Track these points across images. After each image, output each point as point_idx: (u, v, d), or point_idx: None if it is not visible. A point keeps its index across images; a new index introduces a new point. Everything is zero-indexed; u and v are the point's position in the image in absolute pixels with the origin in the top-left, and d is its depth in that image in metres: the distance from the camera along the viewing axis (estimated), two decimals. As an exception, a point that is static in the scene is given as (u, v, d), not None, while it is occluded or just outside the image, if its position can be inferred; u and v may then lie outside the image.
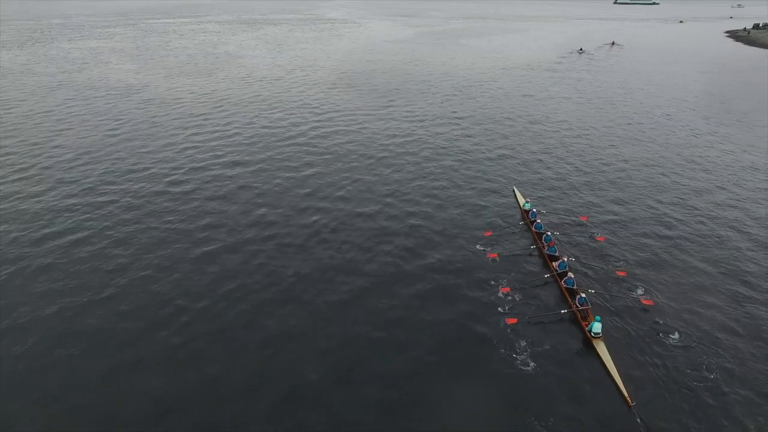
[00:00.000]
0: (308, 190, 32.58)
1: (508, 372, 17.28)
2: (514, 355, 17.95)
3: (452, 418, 15.65)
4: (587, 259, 24.16)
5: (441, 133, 45.29)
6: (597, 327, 18.26)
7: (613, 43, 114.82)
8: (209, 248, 25.29)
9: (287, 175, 35.02)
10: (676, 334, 18.94)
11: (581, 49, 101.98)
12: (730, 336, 19.12)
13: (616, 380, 16.50)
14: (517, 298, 21.07)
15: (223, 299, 21.29)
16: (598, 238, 26.09)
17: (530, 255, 24.69)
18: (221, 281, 22.52)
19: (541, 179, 34.77)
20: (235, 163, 37.21)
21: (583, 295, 19.97)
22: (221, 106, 54.92)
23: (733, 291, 21.99)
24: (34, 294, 21.59)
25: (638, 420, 15.27)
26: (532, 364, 17.54)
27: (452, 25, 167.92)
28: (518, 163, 37.79)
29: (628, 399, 15.81)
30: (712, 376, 17.01)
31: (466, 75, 74.82)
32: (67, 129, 45.84)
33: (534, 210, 27.52)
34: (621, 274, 22.61)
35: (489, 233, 26.45)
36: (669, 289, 21.92)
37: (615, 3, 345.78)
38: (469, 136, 44.53)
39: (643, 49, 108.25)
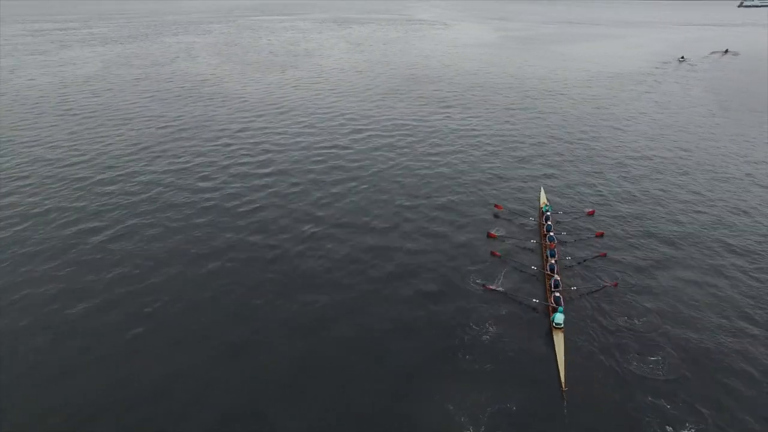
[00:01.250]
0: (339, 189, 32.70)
1: (468, 355, 18.59)
2: (479, 340, 19.33)
3: (411, 393, 17.21)
4: (584, 262, 25.03)
5: (480, 144, 42.71)
6: (558, 318, 19.57)
7: (726, 51, 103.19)
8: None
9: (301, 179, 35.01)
10: (644, 337, 19.60)
11: (682, 58, 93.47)
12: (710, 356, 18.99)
13: (560, 366, 17.86)
14: (502, 286, 22.52)
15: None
16: (597, 234, 27.64)
17: (532, 250, 26.25)
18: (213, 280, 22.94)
19: (574, 199, 33.10)
20: (265, 165, 37.81)
21: (558, 295, 21.10)
22: (281, 104, 56.39)
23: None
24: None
25: (564, 402, 16.62)
26: (493, 349, 18.90)
27: (545, 30, 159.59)
28: (560, 184, 34.52)
29: (563, 383, 17.16)
30: (659, 373, 17.89)
31: (539, 83, 70.30)
32: (125, 122, 49.60)
33: (549, 213, 28.74)
34: (613, 284, 23.18)
35: (500, 208, 30.34)
36: (655, 294, 22.45)
37: (740, 6, 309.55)
38: (511, 149, 41.51)
39: (763, 58, 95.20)
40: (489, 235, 27.32)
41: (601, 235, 27.46)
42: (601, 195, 33.18)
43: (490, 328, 19.90)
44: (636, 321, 20.53)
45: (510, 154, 40.88)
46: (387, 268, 24.26)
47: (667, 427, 15.78)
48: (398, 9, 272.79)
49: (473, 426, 15.65)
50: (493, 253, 25.42)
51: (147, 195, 31.65)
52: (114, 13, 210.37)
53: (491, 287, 22.33)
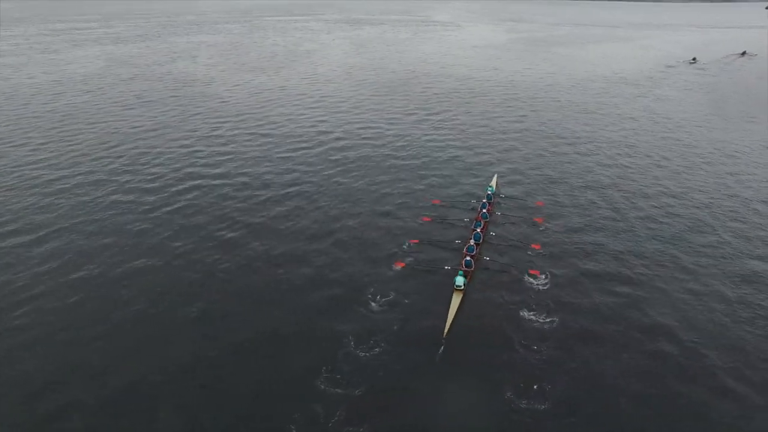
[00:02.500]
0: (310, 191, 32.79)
1: (375, 310, 21.03)
2: (389, 301, 21.56)
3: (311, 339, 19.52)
4: (508, 237, 27.18)
5: (445, 145, 42.21)
6: (458, 280, 21.83)
7: (743, 53, 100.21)
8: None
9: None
10: (539, 304, 21.50)
11: (694, 59, 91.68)
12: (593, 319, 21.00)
13: (448, 320, 20.03)
14: (422, 253, 25.27)
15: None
16: (536, 219, 29.36)
17: (462, 223, 28.66)
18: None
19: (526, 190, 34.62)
20: (216, 166, 38.12)
21: (468, 259, 23.45)
22: (259, 107, 56.84)
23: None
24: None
25: (442, 346, 19.00)
26: (396, 304, 21.41)
27: (556, 32, 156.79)
28: (517, 176, 33.95)
29: (445, 332, 19.50)
30: (542, 330, 20.05)
31: (533, 85, 69.23)
32: (100, 122, 50.68)
33: (489, 193, 31.11)
34: (535, 246, 25.83)
35: (437, 201, 31.74)
36: (563, 272, 24.07)
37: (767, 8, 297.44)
38: (475, 147, 40.90)
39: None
40: (423, 220, 29.25)
41: (540, 222, 28.95)
42: (553, 186, 34.73)
43: (402, 291, 22.23)
44: (535, 291, 22.55)
45: (473, 151, 41.83)
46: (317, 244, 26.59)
47: (534, 383, 17.36)
48: (418, 10, 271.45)
49: (355, 364, 18.06)
50: (423, 219, 28.80)
51: (95, 195, 32.24)
52: (135, 13, 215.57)
53: (405, 262, 24.49)
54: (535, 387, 17.14)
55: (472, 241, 25.08)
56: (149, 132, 45.32)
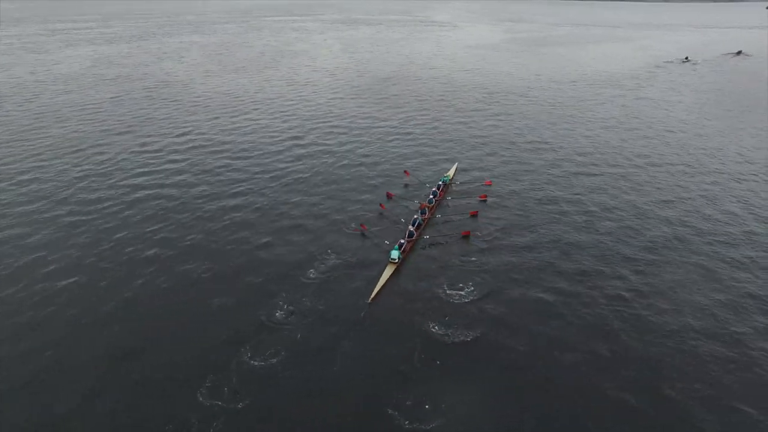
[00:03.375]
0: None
1: (319, 274, 23.29)
2: (329, 269, 23.76)
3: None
4: (452, 218, 29.43)
5: (411, 143, 42.04)
6: (393, 254, 23.74)
7: (739, 53, 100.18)
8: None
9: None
10: (466, 279, 22.99)
11: (686, 58, 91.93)
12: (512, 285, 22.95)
13: (377, 287, 22.02)
14: (373, 229, 27.63)
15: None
16: (480, 197, 31.75)
17: (414, 207, 30.69)
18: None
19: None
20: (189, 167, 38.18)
21: (405, 238, 25.53)
22: (234, 107, 56.88)
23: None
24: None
25: (366, 310, 20.81)
26: (335, 270, 23.65)
27: (553, 32, 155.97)
28: (474, 165, 33.71)
29: (372, 297, 21.40)
30: (462, 301, 21.56)
31: (515, 85, 68.71)
32: (70, 120, 50.88)
33: (440, 182, 32.98)
34: (465, 233, 27.16)
35: (408, 174, 35.64)
36: (500, 255, 25.41)
37: None
38: (439, 144, 40.69)
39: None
40: (388, 195, 32.27)
41: (484, 199, 31.40)
42: (510, 174, 36.47)
43: (345, 260, 24.52)
44: (465, 269, 23.87)
45: (439, 147, 42.88)
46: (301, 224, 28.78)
47: (439, 351, 18.53)
48: (418, 10, 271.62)
49: (287, 309, 20.60)
50: (381, 206, 30.49)
51: (56, 195, 32.36)
52: (135, 13, 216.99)
53: (361, 229, 27.31)
54: (438, 356, 18.22)
55: (412, 222, 27.24)
56: (113, 133, 45.26)
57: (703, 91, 66.34)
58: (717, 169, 37.71)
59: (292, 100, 58.95)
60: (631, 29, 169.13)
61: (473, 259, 24.70)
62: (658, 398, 16.76)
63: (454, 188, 33.80)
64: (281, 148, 41.73)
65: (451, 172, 35.75)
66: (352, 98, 60.21)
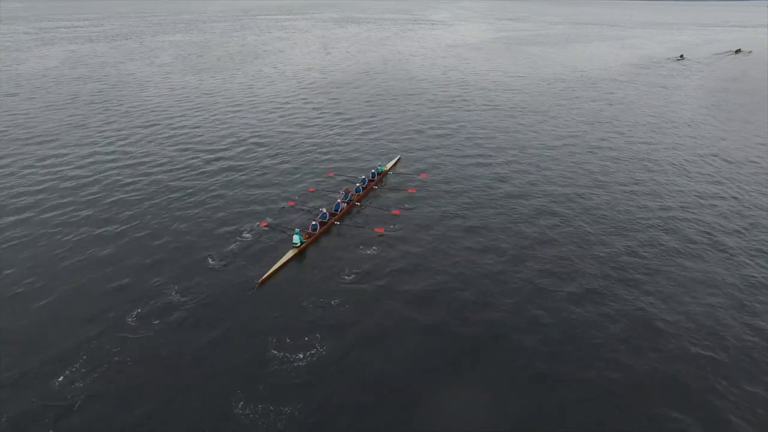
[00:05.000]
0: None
1: (221, 260, 23.21)
2: (237, 253, 23.82)
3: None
4: (374, 209, 28.90)
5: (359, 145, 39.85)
6: (294, 238, 23.76)
7: (738, 51, 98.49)
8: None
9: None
10: (363, 271, 22.31)
11: (681, 57, 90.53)
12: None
13: (271, 270, 21.88)
14: (284, 218, 27.59)
15: None
16: (410, 190, 31.23)
17: (338, 195, 29.95)
18: None
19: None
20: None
21: (315, 223, 25.49)
22: (187, 108, 55.17)
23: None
24: None
25: (252, 291, 20.84)
26: (237, 259, 23.33)
27: (552, 31, 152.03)
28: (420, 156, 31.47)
29: (261, 280, 21.20)
30: (349, 287, 21.26)
31: (485, 85, 65.94)
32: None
33: (373, 171, 32.70)
34: (379, 230, 25.92)
35: (331, 174, 34.10)
36: (412, 240, 25.12)
37: None
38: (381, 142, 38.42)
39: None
40: (308, 190, 31.61)
41: (413, 192, 30.63)
42: (452, 170, 35.20)
43: (250, 245, 24.53)
44: (370, 259, 23.27)
45: (383, 141, 42.10)
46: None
47: (320, 340, 17.97)
48: (418, 9, 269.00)
49: (174, 298, 20.27)
50: (309, 190, 31.15)
51: None
52: (137, 12, 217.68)
53: (266, 223, 26.67)
54: (321, 343, 17.80)
55: (335, 207, 27.17)
56: (50, 135, 43.63)
57: (690, 88, 63.10)
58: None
59: (239, 104, 56.70)
60: (630, 28, 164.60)
61: (382, 253, 23.81)
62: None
63: (389, 180, 33.48)
64: (206, 147, 39.85)
65: (389, 164, 35.27)
66: (305, 101, 57.75)
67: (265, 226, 26.37)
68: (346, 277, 21.66)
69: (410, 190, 30.97)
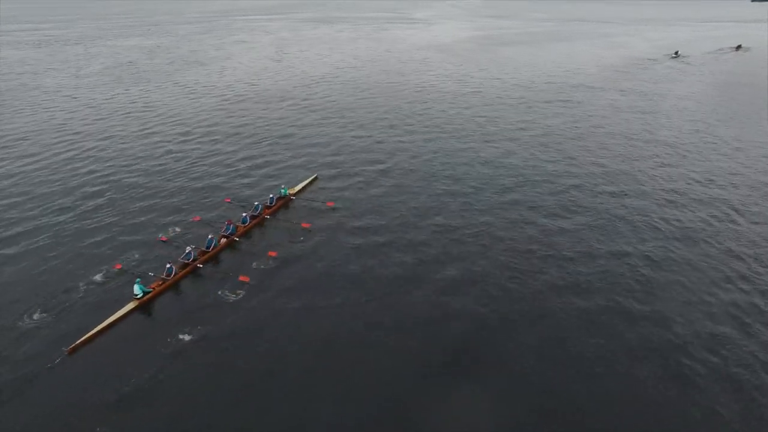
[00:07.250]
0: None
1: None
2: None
3: None
4: (255, 243, 25.05)
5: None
6: (135, 288, 19.55)
7: (738, 47, 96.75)
8: None
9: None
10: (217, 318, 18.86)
11: (676, 53, 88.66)
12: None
13: (89, 333, 17.60)
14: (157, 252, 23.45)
15: None
16: (303, 225, 26.22)
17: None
18: None
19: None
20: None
21: (169, 265, 21.04)
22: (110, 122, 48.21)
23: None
24: None
25: (59, 359, 16.80)
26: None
27: (541, 28, 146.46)
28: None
29: (72, 348, 16.97)
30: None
31: (436, 91, 60.02)
32: None
33: (272, 196, 28.41)
34: (272, 254, 23.05)
35: (228, 200, 29.55)
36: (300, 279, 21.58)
37: (753, 0, 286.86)
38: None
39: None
40: (225, 200, 29.08)
41: (307, 227, 25.87)
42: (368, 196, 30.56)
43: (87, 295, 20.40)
44: (229, 306, 19.77)
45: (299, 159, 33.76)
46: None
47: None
48: (406, 8, 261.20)
49: None
50: (194, 219, 26.77)
51: None
52: (112, 15, 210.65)
53: (163, 238, 24.45)
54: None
55: (190, 248, 22.40)
56: None
57: (680, 91, 59.40)
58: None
59: (146, 125, 49.42)
60: (624, 24, 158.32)
61: (243, 304, 19.90)
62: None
63: (293, 206, 29.16)
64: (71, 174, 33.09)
65: (298, 186, 31.03)
66: (229, 114, 51.21)
67: (164, 240, 24.15)
68: (185, 338, 17.75)
69: (304, 225, 26.00)
